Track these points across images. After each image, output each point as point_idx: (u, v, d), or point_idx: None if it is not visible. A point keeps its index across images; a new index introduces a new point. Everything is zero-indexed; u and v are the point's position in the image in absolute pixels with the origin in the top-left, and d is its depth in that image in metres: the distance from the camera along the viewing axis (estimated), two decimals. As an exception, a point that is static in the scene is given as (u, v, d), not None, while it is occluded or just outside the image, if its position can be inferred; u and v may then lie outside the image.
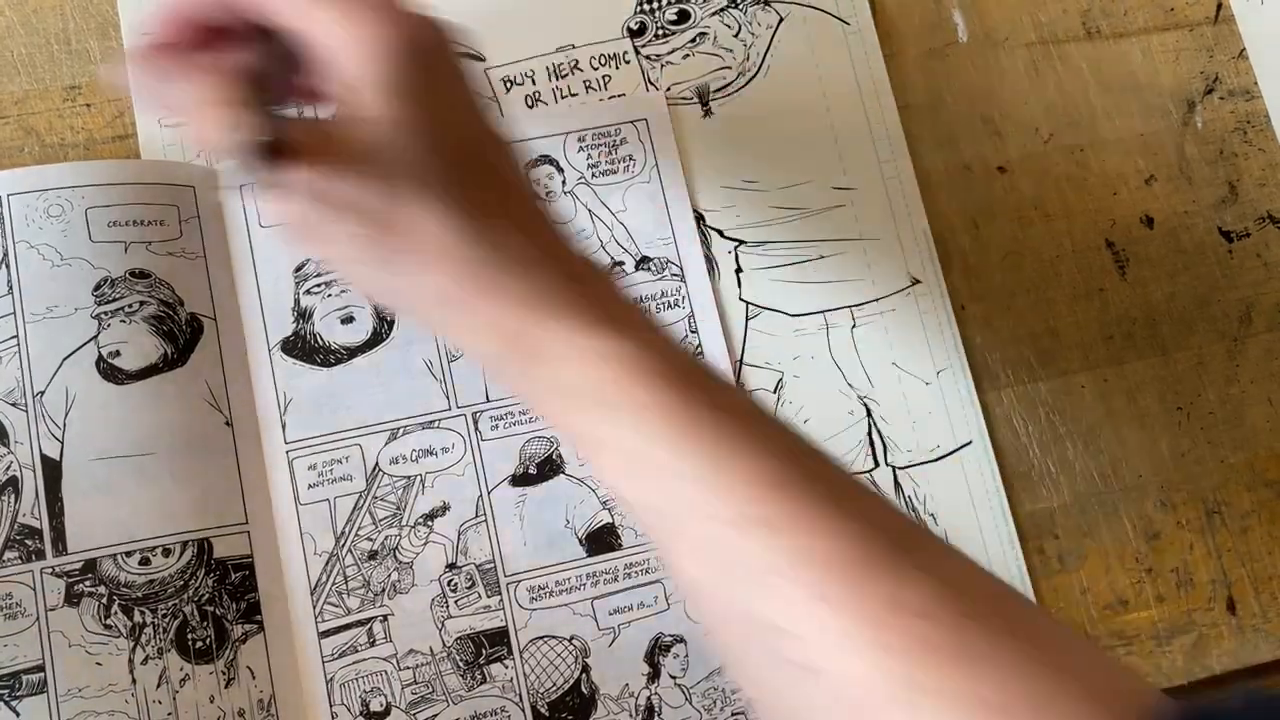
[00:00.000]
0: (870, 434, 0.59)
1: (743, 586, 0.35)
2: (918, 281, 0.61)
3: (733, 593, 0.36)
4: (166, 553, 0.52)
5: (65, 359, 0.52)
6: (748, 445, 0.36)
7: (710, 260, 0.60)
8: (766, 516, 0.35)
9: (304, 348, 0.56)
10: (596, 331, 0.38)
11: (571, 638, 0.55)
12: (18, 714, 0.49)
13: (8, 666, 0.50)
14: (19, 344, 0.52)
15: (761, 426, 0.37)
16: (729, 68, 0.62)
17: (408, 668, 0.53)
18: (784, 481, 0.35)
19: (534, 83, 0.61)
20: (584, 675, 0.54)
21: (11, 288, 0.53)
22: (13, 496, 0.51)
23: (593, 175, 0.60)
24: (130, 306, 0.53)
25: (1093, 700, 0.32)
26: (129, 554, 0.51)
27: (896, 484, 0.59)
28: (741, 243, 0.60)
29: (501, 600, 0.54)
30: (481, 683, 0.54)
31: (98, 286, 0.53)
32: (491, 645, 0.54)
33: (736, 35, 0.63)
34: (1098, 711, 0.31)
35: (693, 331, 0.58)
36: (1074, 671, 0.33)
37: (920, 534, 0.37)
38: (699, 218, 0.60)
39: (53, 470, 0.51)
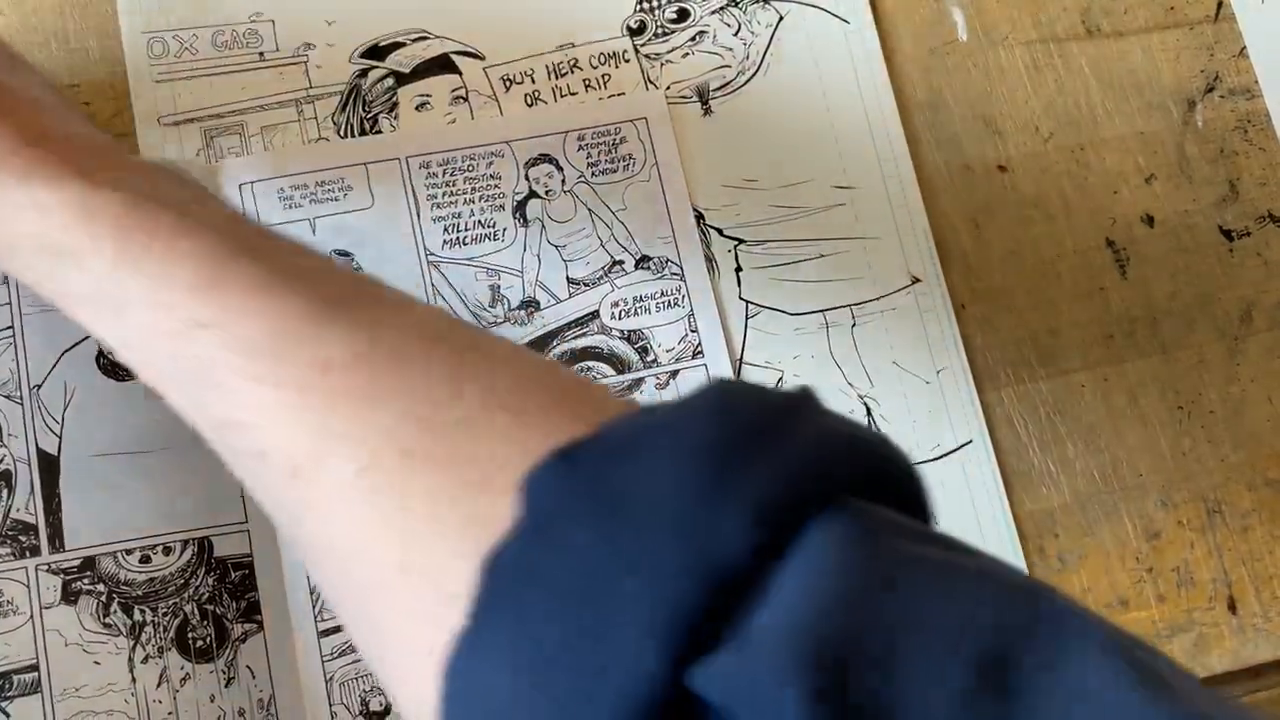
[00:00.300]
0: (871, 433, 0.59)
1: (199, 392, 0.36)
2: (918, 280, 0.61)
3: (196, 402, 0.36)
4: (167, 551, 0.51)
5: (65, 353, 0.52)
6: (185, 255, 0.36)
7: (710, 259, 0.60)
8: (204, 316, 0.35)
9: (303, 346, 0.56)
10: (45, 185, 0.38)
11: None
12: (8, 715, 0.49)
13: (-1, 666, 0.49)
14: (14, 336, 0.52)
15: (204, 230, 0.37)
16: (729, 66, 0.62)
17: (407, 667, 0.53)
18: (219, 278, 0.35)
19: (533, 81, 0.61)
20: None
21: (8, 277, 0.53)
22: (5, 491, 0.51)
23: (592, 174, 0.60)
24: (129, 302, 0.53)
25: (513, 411, 0.32)
26: (129, 551, 0.51)
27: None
28: (741, 241, 0.60)
29: (501, 599, 0.54)
30: (481, 682, 0.53)
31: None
32: (491, 645, 0.54)
33: (736, 34, 0.63)
34: (514, 425, 0.32)
35: (693, 330, 0.58)
36: (497, 391, 0.33)
37: (360, 289, 0.37)
38: (699, 216, 0.60)
39: (50, 465, 0.51)
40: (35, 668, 0.49)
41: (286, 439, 0.34)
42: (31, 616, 0.50)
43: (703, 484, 0.28)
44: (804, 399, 0.32)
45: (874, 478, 0.31)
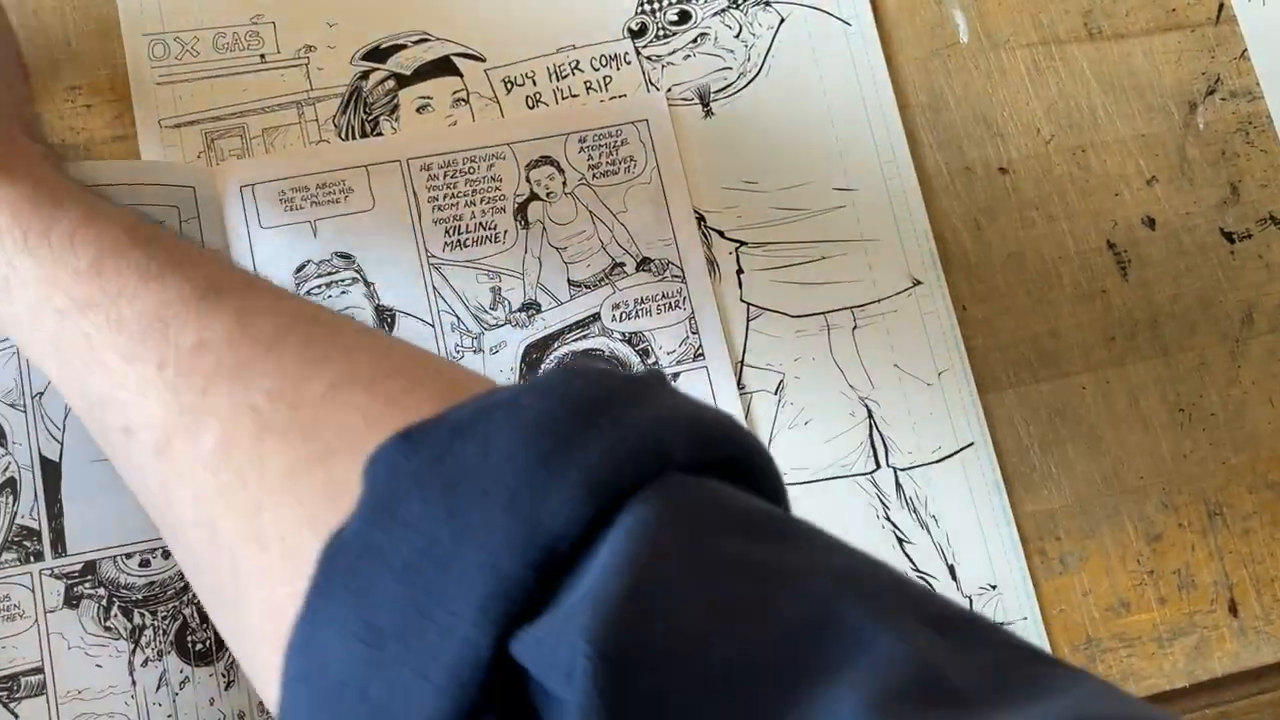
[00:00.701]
0: (871, 435, 0.59)
1: (80, 370, 0.38)
2: (919, 283, 0.61)
3: (76, 379, 0.38)
4: (166, 554, 0.51)
5: (65, 360, 0.52)
6: (82, 244, 0.39)
7: (711, 261, 0.60)
8: (91, 298, 0.38)
9: (304, 349, 0.56)
10: None
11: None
12: (16, 716, 0.49)
13: (6, 669, 0.50)
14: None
15: (106, 225, 0.40)
16: (730, 68, 0.62)
17: (408, 670, 0.53)
18: (109, 265, 0.38)
19: (535, 84, 0.61)
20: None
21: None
22: (11, 498, 0.51)
23: (594, 176, 0.60)
24: (130, 307, 0.53)
25: (370, 391, 0.34)
26: (129, 556, 0.51)
27: (898, 485, 0.58)
28: (742, 244, 0.60)
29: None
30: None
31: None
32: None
33: (737, 36, 0.63)
34: (371, 402, 0.33)
35: (693, 333, 0.58)
36: (358, 372, 0.35)
37: (238, 279, 0.40)
38: (700, 219, 0.60)
39: (52, 472, 0.51)
40: (40, 670, 0.50)
41: (156, 415, 0.35)
42: (36, 620, 0.50)
43: (535, 460, 0.29)
44: (649, 380, 0.33)
45: (718, 457, 0.31)
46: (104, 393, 0.37)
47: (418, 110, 0.59)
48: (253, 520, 0.33)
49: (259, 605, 0.33)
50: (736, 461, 0.32)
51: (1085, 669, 0.29)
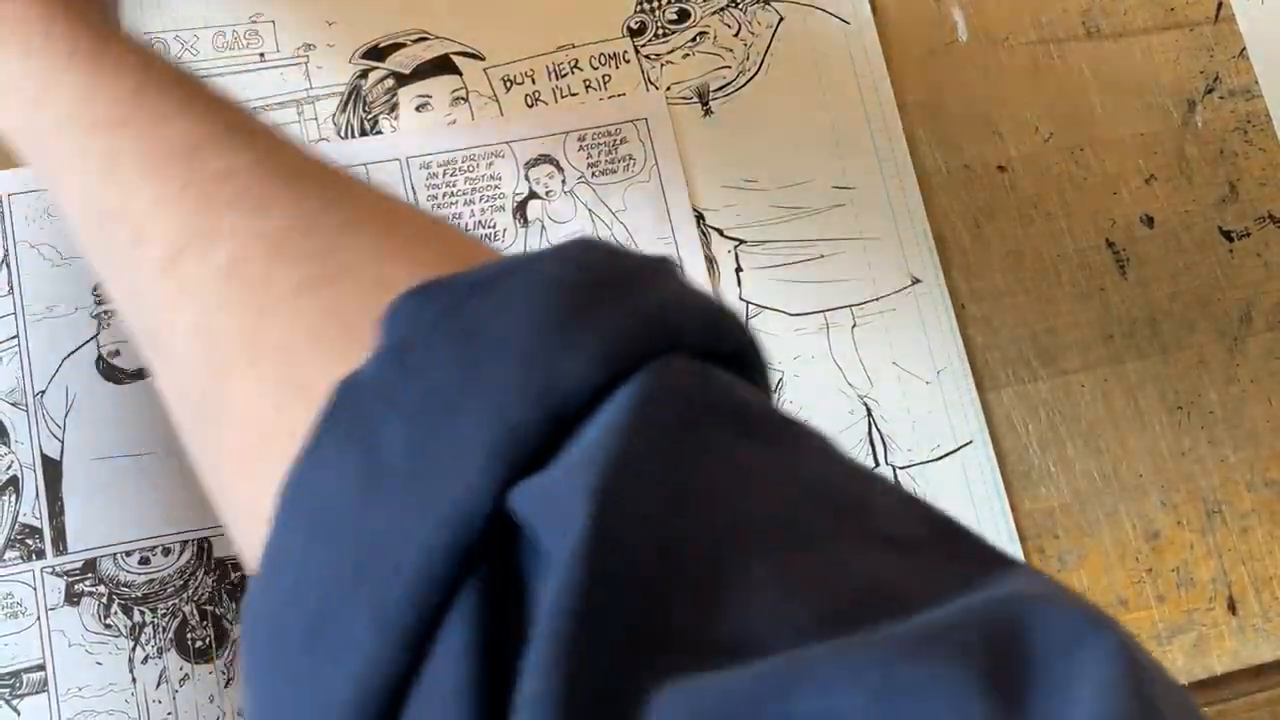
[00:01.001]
0: (870, 433, 0.59)
1: (95, 183, 0.38)
2: (918, 281, 0.61)
3: (89, 193, 0.39)
4: (166, 552, 0.52)
5: (65, 359, 0.53)
6: (128, 66, 0.39)
7: (710, 259, 0.60)
8: (124, 117, 0.38)
9: (304, 347, 0.56)
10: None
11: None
12: (19, 713, 0.49)
13: (9, 666, 0.50)
14: (19, 344, 0.53)
15: (147, 54, 0.41)
16: (729, 67, 0.62)
17: (408, 667, 0.53)
18: (148, 91, 0.39)
19: (534, 82, 0.61)
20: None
21: (12, 288, 0.53)
22: (13, 496, 0.51)
23: (593, 175, 0.60)
24: (130, 306, 0.53)
25: (383, 231, 0.35)
26: (129, 553, 0.51)
27: (896, 483, 0.59)
28: (741, 242, 0.60)
29: (501, 600, 0.54)
30: (481, 682, 0.53)
31: (98, 286, 0.53)
32: (491, 645, 0.54)
33: (736, 34, 0.63)
34: (382, 237, 0.34)
35: (693, 331, 0.58)
36: (372, 212, 0.36)
37: (265, 123, 0.40)
38: (699, 217, 0.60)
39: (53, 470, 0.52)
40: (42, 667, 0.50)
41: (170, 231, 0.36)
42: (38, 618, 0.50)
43: (552, 319, 0.29)
44: (662, 261, 0.33)
45: (725, 346, 0.32)
46: (118, 207, 0.37)
47: (417, 109, 0.59)
48: (252, 332, 0.33)
49: (243, 421, 0.33)
50: (740, 354, 0.32)
51: (1044, 573, 0.29)
